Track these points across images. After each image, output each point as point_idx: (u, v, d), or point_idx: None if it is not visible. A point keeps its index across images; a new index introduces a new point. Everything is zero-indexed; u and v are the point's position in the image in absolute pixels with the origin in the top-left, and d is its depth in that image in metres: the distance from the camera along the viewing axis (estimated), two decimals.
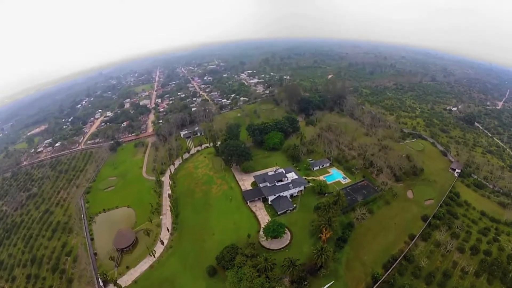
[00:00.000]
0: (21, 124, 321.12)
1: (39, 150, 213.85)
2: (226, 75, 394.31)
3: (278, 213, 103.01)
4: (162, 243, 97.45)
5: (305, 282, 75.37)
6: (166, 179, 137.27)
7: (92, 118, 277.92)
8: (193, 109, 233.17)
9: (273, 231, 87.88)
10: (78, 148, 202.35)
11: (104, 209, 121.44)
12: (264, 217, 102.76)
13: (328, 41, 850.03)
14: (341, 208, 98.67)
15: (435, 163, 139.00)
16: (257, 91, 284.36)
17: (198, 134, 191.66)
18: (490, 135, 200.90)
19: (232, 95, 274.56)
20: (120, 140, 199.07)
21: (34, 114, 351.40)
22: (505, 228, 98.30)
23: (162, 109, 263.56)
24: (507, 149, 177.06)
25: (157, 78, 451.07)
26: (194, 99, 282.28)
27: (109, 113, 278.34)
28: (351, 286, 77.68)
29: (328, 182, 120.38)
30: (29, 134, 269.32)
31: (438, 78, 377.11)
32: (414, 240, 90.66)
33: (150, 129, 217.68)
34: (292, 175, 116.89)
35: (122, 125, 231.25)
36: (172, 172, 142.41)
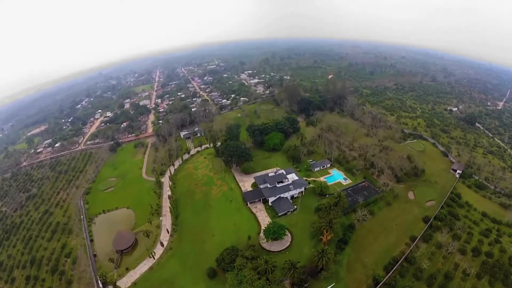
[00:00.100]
0: (21, 124, 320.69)
1: (38, 150, 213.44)
2: (226, 75, 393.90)
3: (279, 214, 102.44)
4: (162, 244, 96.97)
5: (306, 284, 74.90)
6: (166, 180, 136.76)
7: (92, 119, 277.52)
8: (193, 109, 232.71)
9: (274, 232, 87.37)
10: (78, 149, 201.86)
11: (103, 210, 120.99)
12: (264, 219, 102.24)
13: (328, 41, 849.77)
14: (342, 209, 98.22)
15: (436, 164, 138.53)
16: (257, 91, 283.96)
17: (198, 135, 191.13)
18: (491, 135, 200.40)
19: (232, 95, 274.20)
20: (120, 140, 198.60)
21: (34, 114, 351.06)
22: (506, 230, 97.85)
23: (162, 110, 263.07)
24: (508, 150, 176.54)
25: (157, 78, 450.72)
26: (194, 99, 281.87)
27: (109, 114, 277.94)
28: None
29: (329, 183, 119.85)
30: (29, 134, 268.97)
31: (439, 78, 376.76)
32: (415, 242, 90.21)
33: (150, 130, 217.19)
34: (292, 176, 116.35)
35: (122, 126, 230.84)
36: (172, 173, 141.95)
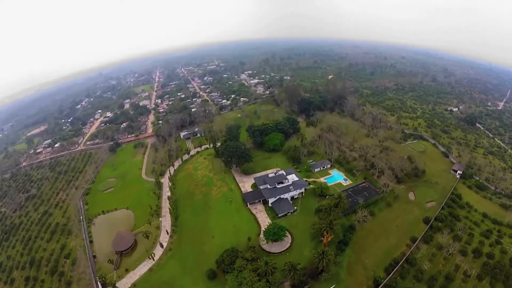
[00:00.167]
0: (21, 124, 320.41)
1: (38, 150, 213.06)
2: (226, 75, 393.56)
3: (279, 215, 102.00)
4: (162, 245, 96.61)
5: (306, 286, 74.60)
6: (165, 181, 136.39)
7: (91, 119, 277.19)
8: (193, 109, 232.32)
9: (274, 234, 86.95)
10: (77, 149, 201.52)
11: (103, 211, 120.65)
12: (264, 220, 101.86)
13: (328, 41, 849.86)
14: (342, 210, 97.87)
15: (436, 165, 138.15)
16: (257, 92, 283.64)
17: (198, 135, 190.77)
18: (492, 136, 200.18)
19: (232, 96, 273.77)
20: (120, 141, 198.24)
21: (34, 114, 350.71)
22: (507, 230, 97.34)
23: (162, 110, 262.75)
24: (509, 150, 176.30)
25: (157, 79, 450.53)
26: (194, 99, 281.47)
27: (108, 114, 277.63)
28: None
29: (329, 184, 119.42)
30: (28, 134, 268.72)
31: (439, 78, 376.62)
32: (416, 243, 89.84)
33: (150, 130, 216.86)
34: (292, 177, 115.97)
35: (122, 126, 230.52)
36: (172, 174, 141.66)
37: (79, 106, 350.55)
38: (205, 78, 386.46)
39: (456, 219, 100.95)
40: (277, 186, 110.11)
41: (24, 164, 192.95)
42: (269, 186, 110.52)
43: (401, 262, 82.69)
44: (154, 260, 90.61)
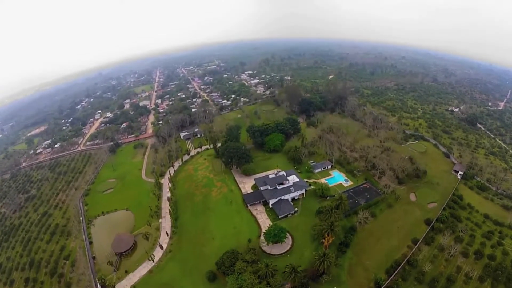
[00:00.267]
0: (21, 124, 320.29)
1: (38, 151, 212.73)
2: (226, 75, 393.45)
3: (279, 217, 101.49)
4: (161, 247, 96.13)
5: None
6: (165, 182, 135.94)
7: (91, 119, 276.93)
8: (193, 110, 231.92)
9: (274, 235, 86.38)
10: (77, 150, 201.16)
11: (103, 212, 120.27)
12: (265, 221, 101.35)
13: (328, 42, 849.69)
14: (343, 212, 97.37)
15: (438, 165, 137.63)
16: (258, 92, 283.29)
17: (198, 136, 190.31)
18: (493, 136, 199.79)
19: (232, 96, 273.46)
20: (120, 141, 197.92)
21: (34, 114, 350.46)
22: (509, 232, 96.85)
23: (162, 110, 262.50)
24: (510, 151, 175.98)
25: (157, 79, 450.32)
26: (194, 99, 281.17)
27: (108, 114, 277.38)
28: None
29: (330, 185, 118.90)
30: (28, 135, 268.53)
31: (439, 78, 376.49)
32: (417, 245, 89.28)
33: (150, 130, 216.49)
34: (293, 178, 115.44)
35: (122, 126, 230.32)
36: (172, 174, 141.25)
37: (79, 106, 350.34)
38: (205, 78, 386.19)
39: (458, 220, 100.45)
40: (278, 187, 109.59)
41: (24, 164, 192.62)
42: (269, 187, 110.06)
43: (402, 264, 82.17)
44: (154, 261, 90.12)
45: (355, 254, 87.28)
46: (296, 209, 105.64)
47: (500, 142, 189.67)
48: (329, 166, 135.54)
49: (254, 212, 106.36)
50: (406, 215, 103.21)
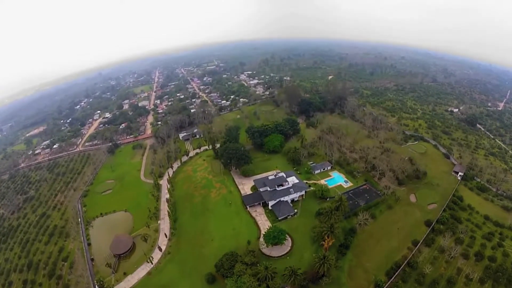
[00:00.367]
0: (20, 125, 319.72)
1: (37, 151, 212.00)
2: (225, 76, 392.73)
3: (279, 218, 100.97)
4: (160, 249, 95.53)
5: None
6: (164, 183, 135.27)
7: (90, 120, 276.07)
8: (192, 110, 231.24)
9: (274, 237, 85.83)
10: (76, 150, 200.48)
11: (101, 213, 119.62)
12: (264, 223, 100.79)
13: (328, 42, 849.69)
14: (343, 213, 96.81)
15: (437, 166, 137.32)
16: (257, 92, 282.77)
17: (197, 136, 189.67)
18: (492, 136, 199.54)
19: (232, 96, 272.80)
20: (118, 142, 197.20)
21: (33, 115, 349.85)
22: (509, 233, 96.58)
23: (161, 111, 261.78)
24: (510, 151, 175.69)
25: (156, 79, 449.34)
26: (193, 100, 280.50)
27: (107, 115, 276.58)
28: None
29: (330, 186, 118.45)
30: (27, 135, 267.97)
31: (439, 79, 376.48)
32: (417, 246, 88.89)
33: (149, 131, 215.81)
34: (293, 179, 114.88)
35: (121, 127, 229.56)
36: (171, 176, 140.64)
37: (78, 106, 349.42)
38: (205, 79, 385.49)
39: (458, 222, 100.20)
40: (277, 189, 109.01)
41: (22, 165, 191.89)
42: (269, 189, 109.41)
43: (402, 266, 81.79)
44: (152, 263, 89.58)
45: (355, 256, 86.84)
46: (295, 210, 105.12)
47: (500, 142, 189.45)
48: (329, 167, 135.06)
49: (254, 214, 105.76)
50: (406, 217, 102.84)
